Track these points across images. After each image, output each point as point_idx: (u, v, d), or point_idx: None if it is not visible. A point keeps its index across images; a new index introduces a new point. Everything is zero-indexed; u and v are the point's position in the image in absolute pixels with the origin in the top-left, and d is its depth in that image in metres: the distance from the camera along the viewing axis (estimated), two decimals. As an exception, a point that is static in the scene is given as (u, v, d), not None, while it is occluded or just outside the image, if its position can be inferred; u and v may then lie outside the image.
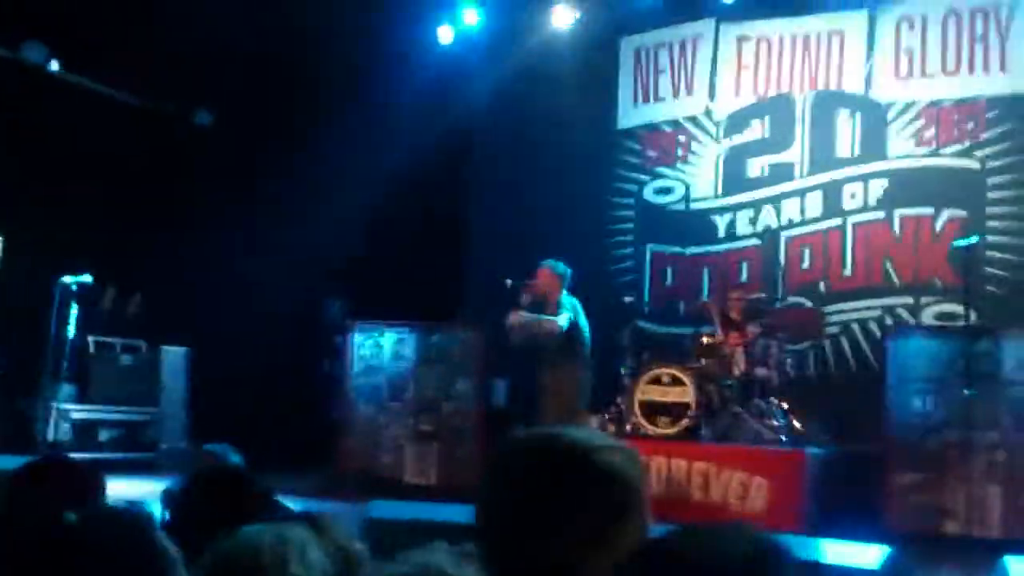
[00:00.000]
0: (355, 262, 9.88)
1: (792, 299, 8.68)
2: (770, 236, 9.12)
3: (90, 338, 9.48)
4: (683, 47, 9.75)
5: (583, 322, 7.59)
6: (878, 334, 8.41)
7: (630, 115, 9.99)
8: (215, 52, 9.10)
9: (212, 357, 9.62)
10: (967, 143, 8.42)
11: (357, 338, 8.55)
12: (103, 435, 9.15)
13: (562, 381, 7.41)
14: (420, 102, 9.53)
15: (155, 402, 9.57)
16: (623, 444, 1.61)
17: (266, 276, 9.56)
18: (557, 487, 1.48)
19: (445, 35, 10.00)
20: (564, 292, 7.53)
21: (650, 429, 7.93)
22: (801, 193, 9.10)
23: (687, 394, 7.82)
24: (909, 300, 8.48)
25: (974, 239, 5.88)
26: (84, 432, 8.95)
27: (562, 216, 9.66)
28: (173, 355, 9.83)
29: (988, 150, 8.31)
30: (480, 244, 10.24)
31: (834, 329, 8.81)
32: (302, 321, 9.94)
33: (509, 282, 7.34)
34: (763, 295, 8.31)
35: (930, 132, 8.61)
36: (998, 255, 8.02)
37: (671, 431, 7.86)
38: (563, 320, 7.43)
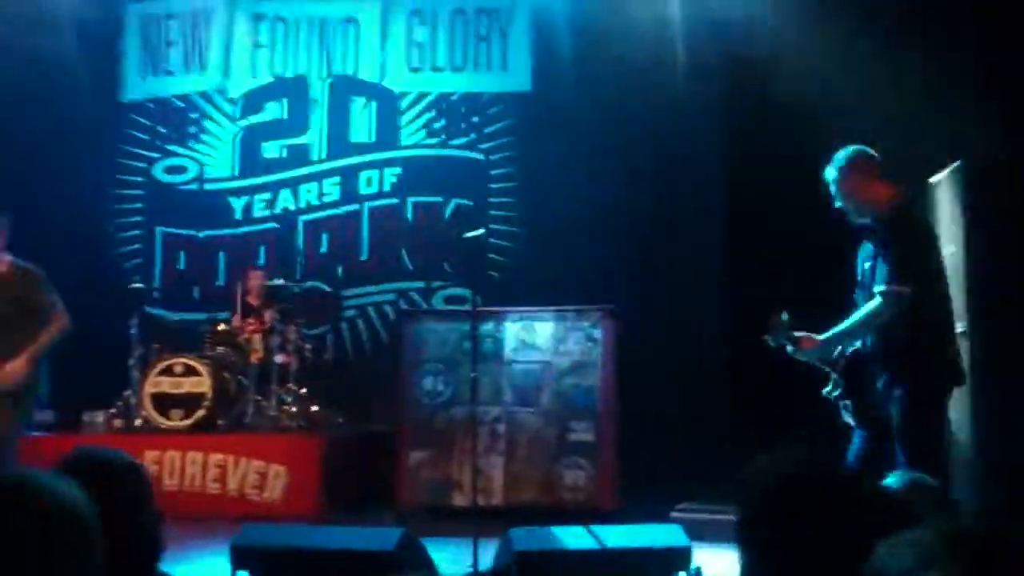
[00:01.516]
0: None
1: (310, 283, 8.65)
2: (288, 219, 9.02)
3: None
4: (195, 20, 9.30)
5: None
6: (392, 317, 8.67)
7: (137, 87, 9.33)
8: None
9: None
10: (472, 136, 8.92)
11: None
12: None
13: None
14: None
15: None
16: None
17: None
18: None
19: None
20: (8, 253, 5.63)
21: (162, 422, 7.53)
22: (319, 177, 9.10)
23: (202, 384, 7.52)
24: (421, 284, 8.82)
25: (480, 231, 6.25)
26: None
27: (61, 194, 8.75)
28: None
29: (491, 143, 8.87)
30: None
31: (351, 313, 8.93)
32: None
33: None
34: (281, 280, 8.16)
35: (439, 123, 9.00)
36: (499, 242, 8.60)
37: (184, 424, 7.51)
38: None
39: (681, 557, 4.40)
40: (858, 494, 1.69)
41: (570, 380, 7.01)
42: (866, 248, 4.23)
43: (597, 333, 6.97)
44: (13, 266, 5.67)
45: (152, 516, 2.11)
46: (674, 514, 6.09)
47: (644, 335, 7.41)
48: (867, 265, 4.17)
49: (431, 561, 4.60)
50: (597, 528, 4.76)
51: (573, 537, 4.69)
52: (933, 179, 6.43)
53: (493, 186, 8.81)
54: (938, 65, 6.52)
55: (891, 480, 2.61)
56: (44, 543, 1.36)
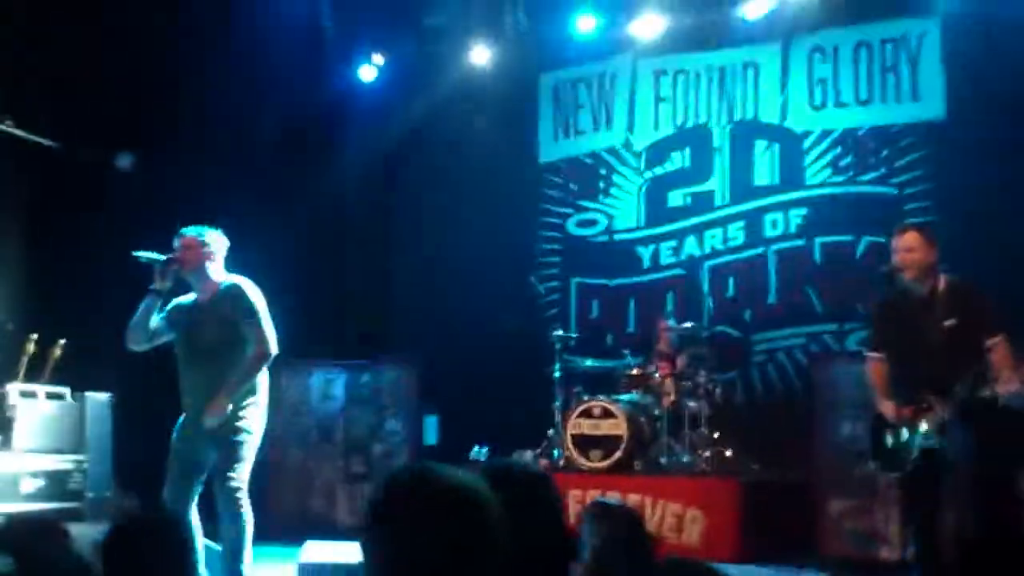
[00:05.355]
0: (278, 302, 9.62)
1: (718, 328, 8.73)
2: (694, 266, 9.20)
3: (10, 386, 9.10)
4: (601, 82, 9.85)
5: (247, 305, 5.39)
6: (804, 361, 8.51)
7: (551, 149, 10.06)
8: (137, 96, 8.85)
9: (133, 402, 9.30)
10: (883, 170, 8.58)
11: (283, 380, 8.35)
12: (26, 486, 8.75)
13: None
14: (339, 139, 9.44)
15: (81, 450, 9.20)
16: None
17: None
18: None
19: (367, 73, 10.02)
20: (221, 270, 5.55)
21: (583, 463, 7.90)
22: (723, 222, 9.21)
23: (618, 427, 7.80)
24: (833, 327, 8.59)
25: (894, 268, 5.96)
26: (5, 484, 8.55)
27: (488, 250, 9.65)
28: (96, 401, 9.46)
29: (904, 177, 8.48)
30: (405, 280, 10.14)
31: (761, 357, 8.89)
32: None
33: (143, 255, 5.47)
34: (690, 325, 8.34)
35: (846, 160, 8.77)
36: (916, 280, 8.14)
37: (603, 464, 7.83)
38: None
39: None
40: None
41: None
42: None
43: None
44: (222, 286, 5.38)
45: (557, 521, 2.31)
46: None
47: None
48: None
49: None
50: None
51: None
52: None
53: (908, 221, 8.40)
54: None
55: None
56: (443, 517, 1.57)
